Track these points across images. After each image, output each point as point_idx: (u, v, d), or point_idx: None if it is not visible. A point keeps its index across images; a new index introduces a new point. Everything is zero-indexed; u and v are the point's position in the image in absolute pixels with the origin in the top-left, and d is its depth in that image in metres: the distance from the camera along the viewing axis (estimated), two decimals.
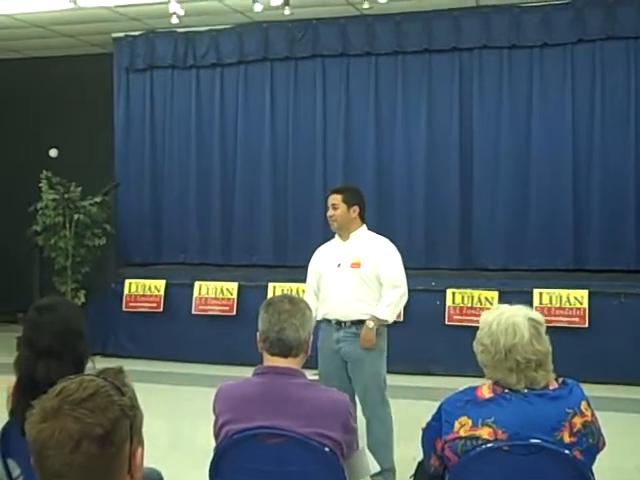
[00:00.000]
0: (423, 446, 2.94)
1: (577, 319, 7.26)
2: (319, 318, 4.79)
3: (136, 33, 9.53)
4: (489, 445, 2.65)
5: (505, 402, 2.69)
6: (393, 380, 5.13)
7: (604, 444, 2.74)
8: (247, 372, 6.51)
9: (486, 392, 2.73)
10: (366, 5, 8.02)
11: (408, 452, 4.47)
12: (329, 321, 4.82)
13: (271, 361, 2.97)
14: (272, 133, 9.23)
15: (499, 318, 2.81)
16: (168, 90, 9.60)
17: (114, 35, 9.60)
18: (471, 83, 8.63)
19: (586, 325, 7.25)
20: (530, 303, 7.18)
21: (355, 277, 4.76)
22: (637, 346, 7.14)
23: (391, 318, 4.75)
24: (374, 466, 3.09)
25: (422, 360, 7.68)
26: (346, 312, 4.75)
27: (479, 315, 7.86)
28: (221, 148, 9.38)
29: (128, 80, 9.68)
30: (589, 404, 2.70)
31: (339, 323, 4.78)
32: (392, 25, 8.75)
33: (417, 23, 8.67)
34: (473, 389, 2.77)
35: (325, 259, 4.94)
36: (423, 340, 7.72)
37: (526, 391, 2.70)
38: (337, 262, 4.82)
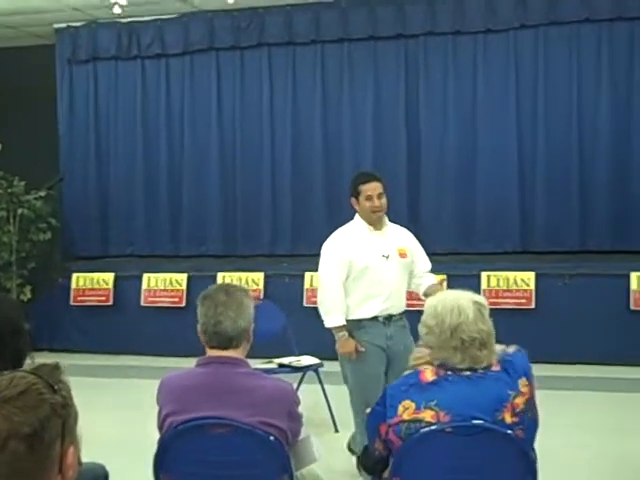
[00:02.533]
0: (367, 430, 2.96)
1: (524, 300, 7.36)
2: (365, 316, 4.53)
3: (78, 24, 9.38)
4: (432, 427, 2.68)
5: (448, 384, 2.73)
6: None
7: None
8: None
9: (429, 375, 2.76)
10: None
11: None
12: (375, 318, 4.52)
13: (212, 352, 2.96)
14: (219, 123, 9.17)
15: (444, 300, 2.88)
16: (112, 82, 9.46)
17: (56, 26, 9.42)
18: (417, 70, 8.66)
19: (533, 306, 7.35)
20: (478, 286, 7.27)
21: (404, 268, 4.60)
22: (581, 325, 7.26)
23: None
24: (320, 453, 3.10)
25: None
26: (400, 305, 4.58)
27: (419, 299, 7.97)
28: (168, 139, 9.29)
29: (71, 72, 9.52)
30: (529, 379, 2.75)
31: (389, 318, 4.53)
32: (338, 13, 8.74)
33: (362, 10, 8.67)
34: (417, 373, 2.80)
35: (365, 250, 4.55)
36: None
37: (468, 373, 2.74)
38: (382, 253, 4.54)
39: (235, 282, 7.86)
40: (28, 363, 2.94)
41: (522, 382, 2.73)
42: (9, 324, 2.95)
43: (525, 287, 7.39)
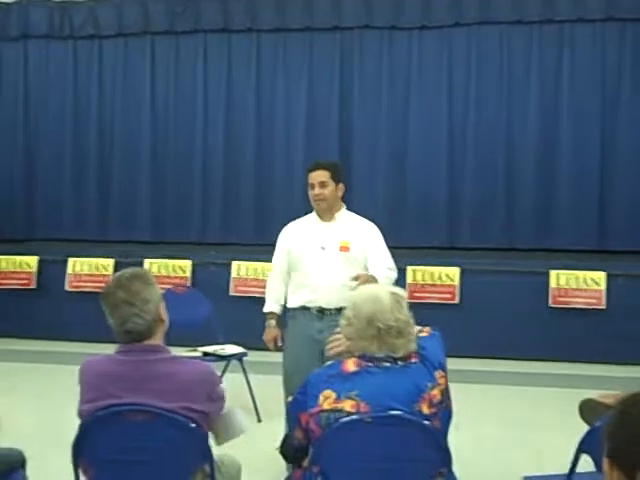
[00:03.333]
0: (288, 419, 3.00)
1: (448, 295, 7.48)
2: (294, 305, 4.54)
3: (9, 0, 9.15)
4: (352, 417, 2.72)
5: (368, 375, 2.78)
6: None
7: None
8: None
9: (351, 366, 2.81)
10: None
11: None
12: (307, 309, 4.49)
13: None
14: (152, 108, 9.06)
15: (361, 293, 2.98)
16: (43, 61, 9.25)
17: None
18: (352, 63, 8.71)
19: (457, 301, 7.48)
20: (404, 280, 7.35)
21: (345, 262, 4.45)
22: (505, 320, 7.41)
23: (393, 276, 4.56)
24: (246, 425, 3.11)
25: None
26: (332, 299, 4.40)
27: None
28: (98, 121, 9.14)
29: (0, 49, 9.30)
30: (444, 369, 2.82)
31: (322, 311, 4.45)
32: (274, 2, 8.73)
33: (299, 1, 8.69)
34: (339, 363, 2.85)
35: (303, 240, 4.55)
36: None
37: (388, 364, 2.80)
38: (320, 244, 4.49)
39: (162, 269, 7.83)
40: None
41: (438, 374, 2.80)
42: None
43: (450, 282, 7.49)
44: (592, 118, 8.24)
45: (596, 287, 7.18)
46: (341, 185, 4.58)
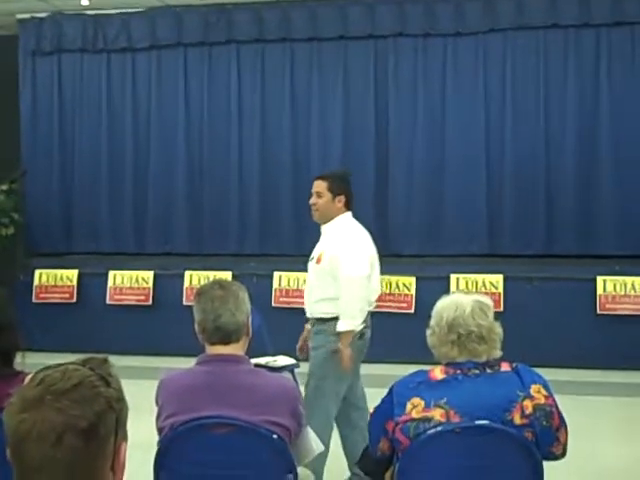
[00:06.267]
0: (371, 430, 2.93)
1: (493, 303, 7.37)
2: None
3: (43, 15, 9.18)
4: (439, 428, 2.66)
5: (457, 383, 2.72)
6: None
7: (565, 428, 2.77)
8: (164, 362, 6.43)
9: (438, 374, 2.75)
10: None
11: None
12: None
13: (213, 350, 2.90)
14: (186, 120, 9.05)
15: (444, 301, 2.92)
16: (77, 75, 9.26)
17: (19, 16, 9.21)
18: (386, 71, 8.66)
19: (501, 309, 7.40)
20: (447, 289, 7.28)
21: (318, 273, 4.46)
22: (549, 328, 7.33)
23: (352, 325, 4.29)
24: (318, 445, 3.06)
25: None
26: (310, 309, 4.53)
27: (397, 301, 7.94)
28: (133, 134, 9.13)
29: (34, 64, 9.29)
30: (544, 386, 2.75)
31: (307, 320, 4.63)
32: (307, 11, 8.71)
33: (332, 10, 8.65)
34: (426, 371, 2.79)
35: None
36: None
37: (477, 372, 2.73)
38: (312, 255, 4.58)
39: (203, 281, 7.78)
40: (18, 362, 2.85)
41: (535, 387, 2.72)
42: None
43: (494, 290, 7.41)
44: (632, 122, 8.13)
45: None
46: (341, 197, 4.52)
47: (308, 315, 4.56)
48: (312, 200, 4.56)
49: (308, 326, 4.65)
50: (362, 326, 4.38)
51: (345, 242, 4.41)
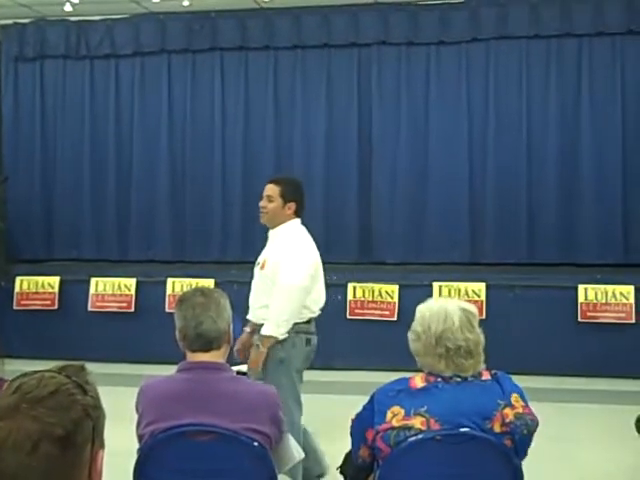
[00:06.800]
0: (352, 436, 2.92)
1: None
2: None
3: (25, 20, 9.14)
4: (420, 436, 2.65)
5: (437, 391, 2.71)
6: None
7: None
8: (146, 369, 6.36)
9: (419, 382, 2.75)
10: None
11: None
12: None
13: (194, 357, 2.89)
14: (169, 127, 9.03)
15: (431, 307, 2.88)
16: (60, 81, 9.22)
17: (1, 22, 9.16)
18: (370, 79, 8.68)
19: (484, 317, 7.41)
20: (430, 296, 7.27)
21: (261, 279, 4.45)
22: (531, 335, 7.36)
23: (275, 332, 4.26)
24: (299, 452, 3.06)
25: (324, 354, 7.65)
26: (253, 315, 4.52)
27: (380, 308, 7.94)
28: (116, 142, 9.10)
29: (17, 70, 9.24)
30: (521, 396, 2.75)
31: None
32: (291, 19, 8.72)
33: (316, 17, 8.66)
34: (406, 379, 2.78)
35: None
36: (325, 334, 7.68)
37: (459, 380, 2.73)
38: (258, 260, 4.57)
39: (185, 288, 7.76)
40: None
41: (515, 396, 2.72)
42: None
43: (476, 298, 7.43)
44: (613, 131, 8.19)
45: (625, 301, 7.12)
46: (291, 204, 4.49)
47: (252, 319, 4.52)
48: (262, 203, 4.52)
49: (247, 329, 4.63)
50: (307, 335, 4.44)
51: (289, 250, 4.38)
